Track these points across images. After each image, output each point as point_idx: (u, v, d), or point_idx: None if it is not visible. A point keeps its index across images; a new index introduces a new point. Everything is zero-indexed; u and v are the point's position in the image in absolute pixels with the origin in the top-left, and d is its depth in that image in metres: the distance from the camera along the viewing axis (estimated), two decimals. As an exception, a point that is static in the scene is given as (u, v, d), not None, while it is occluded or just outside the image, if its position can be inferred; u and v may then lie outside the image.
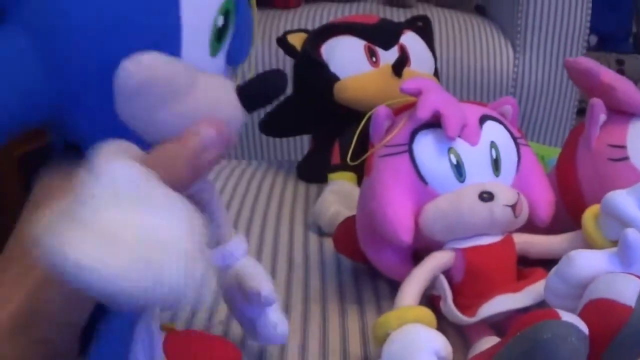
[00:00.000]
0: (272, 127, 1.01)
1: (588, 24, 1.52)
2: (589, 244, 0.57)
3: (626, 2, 2.93)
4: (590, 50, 2.84)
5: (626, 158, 0.63)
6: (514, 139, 0.63)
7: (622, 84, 0.65)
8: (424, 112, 0.58)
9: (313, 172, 0.95)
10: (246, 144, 1.50)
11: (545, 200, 0.62)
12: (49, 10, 0.36)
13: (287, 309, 0.64)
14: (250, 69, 0.53)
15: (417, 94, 0.60)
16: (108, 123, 0.39)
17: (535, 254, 0.61)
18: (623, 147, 0.63)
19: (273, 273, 0.70)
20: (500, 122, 0.63)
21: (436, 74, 0.96)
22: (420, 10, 1.64)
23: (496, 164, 0.60)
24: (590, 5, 1.50)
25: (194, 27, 0.40)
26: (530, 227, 0.62)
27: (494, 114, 0.63)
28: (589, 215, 0.59)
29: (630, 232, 0.50)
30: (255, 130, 1.11)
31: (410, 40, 0.94)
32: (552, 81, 1.52)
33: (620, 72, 2.80)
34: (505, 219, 0.57)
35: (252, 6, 0.47)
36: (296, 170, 0.99)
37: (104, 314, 0.40)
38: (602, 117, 0.65)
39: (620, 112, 0.65)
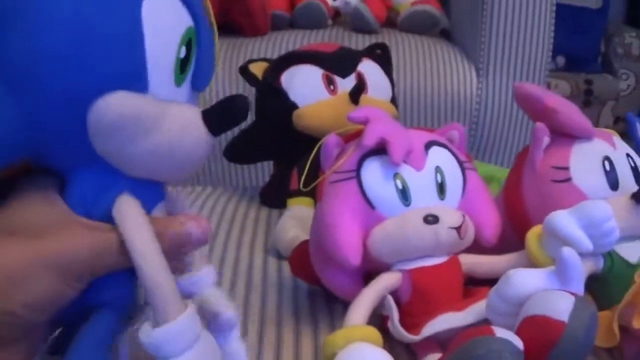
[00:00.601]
0: (236, 153, 1.02)
1: (551, 47, 1.54)
2: (533, 263, 0.59)
3: (595, 22, 2.97)
4: (559, 70, 2.88)
5: (569, 179, 0.65)
6: (460, 163, 0.65)
7: (565, 108, 0.67)
8: (369, 140, 0.60)
9: (275, 197, 0.96)
10: (210, 171, 1.52)
11: (491, 222, 0.64)
12: (21, 54, 0.37)
13: (243, 330, 0.65)
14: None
15: (365, 122, 0.62)
16: (85, 156, 0.41)
17: (481, 274, 0.63)
18: (566, 168, 0.65)
19: (231, 295, 0.71)
20: (446, 147, 0.65)
21: (394, 100, 0.98)
22: (386, 35, 1.67)
23: (441, 188, 0.62)
24: (552, 28, 1.52)
25: (158, 63, 0.41)
26: (481, 248, 0.64)
27: (441, 139, 0.66)
28: (532, 235, 0.61)
29: (566, 251, 0.52)
30: (219, 157, 1.13)
31: (368, 67, 0.96)
32: (515, 104, 1.54)
33: (589, 92, 2.85)
34: (450, 240, 0.59)
35: (213, 29, 0.48)
36: (259, 196, 1.01)
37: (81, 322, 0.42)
38: (546, 139, 0.66)
39: (564, 135, 0.67)
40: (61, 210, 0.42)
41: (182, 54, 0.43)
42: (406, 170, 0.61)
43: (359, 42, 1.59)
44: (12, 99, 0.37)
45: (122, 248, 0.41)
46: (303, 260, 0.68)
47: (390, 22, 1.80)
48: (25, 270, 0.39)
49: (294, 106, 0.91)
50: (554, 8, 1.50)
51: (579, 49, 2.92)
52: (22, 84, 0.37)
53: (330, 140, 0.63)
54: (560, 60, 2.90)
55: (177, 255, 0.44)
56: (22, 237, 0.40)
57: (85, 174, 0.42)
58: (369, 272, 0.63)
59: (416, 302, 0.60)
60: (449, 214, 0.60)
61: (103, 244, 0.41)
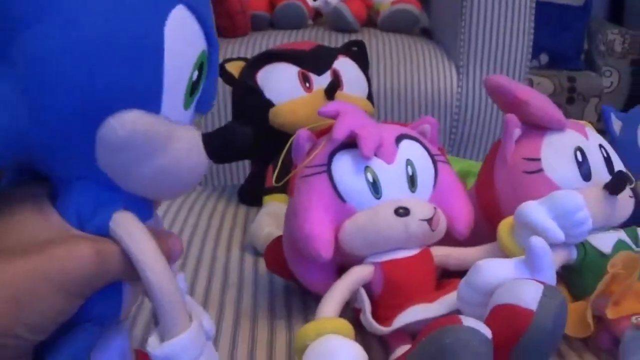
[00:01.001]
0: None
1: (531, 44, 1.55)
2: (505, 254, 0.59)
3: (577, 20, 2.98)
4: (542, 68, 2.90)
5: (540, 170, 0.65)
6: (431, 156, 0.65)
7: (536, 100, 0.67)
8: (339, 133, 0.60)
9: (253, 195, 0.96)
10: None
11: (463, 214, 0.64)
12: (33, 54, 0.36)
13: (218, 324, 0.66)
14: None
15: (335, 116, 0.62)
16: (88, 168, 0.40)
17: (454, 266, 0.63)
18: (537, 159, 0.65)
19: (207, 291, 0.72)
20: (418, 141, 0.65)
21: (370, 97, 0.99)
22: (366, 34, 1.67)
23: (412, 181, 0.62)
24: (532, 25, 1.52)
25: (173, 87, 0.41)
26: (454, 240, 0.64)
27: (412, 133, 0.66)
28: (504, 226, 0.61)
29: (535, 240, 0.53)
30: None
31: (344, 65, 0.97)
32: (495, 101, 1.54)
33: (572, 89, 2.86)
34: (421, 232, 0.60)
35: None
36: (237, 194, 1.01)
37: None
38: (517, 131, 0.66)
39: (535, 127, 0.67)
40: (58, 223, 0.41)
41: (195, 76, 0.43)
42: (377, 164, 0.61)
43: (339, 41, 1.59)
44: (23, 99, 0.37)
45: (123, 260, 0.41)
46: (278, 256, 0.68)
47: (371, 21, 1.80)
48: (30, 289, 0.37)
49: (269, 104, 0.91)
50: (534, 5, 1.51)
51: (561, 46, 2.93)
52: (33, 86, 0.37)
53: (301, 136, 0.63)
54: (544, 57, 2.91)
55: None
56: (22, 254, 0.38)
57: (85, 186, 0.41)
58: (342, 265, 0.63)
59: (388, 294, 0.60)
60: (420, 206, 0.60)
61: (105, 258, 0.40)
